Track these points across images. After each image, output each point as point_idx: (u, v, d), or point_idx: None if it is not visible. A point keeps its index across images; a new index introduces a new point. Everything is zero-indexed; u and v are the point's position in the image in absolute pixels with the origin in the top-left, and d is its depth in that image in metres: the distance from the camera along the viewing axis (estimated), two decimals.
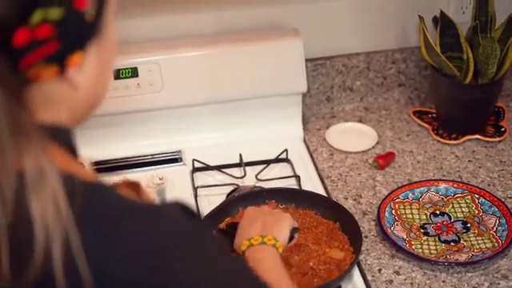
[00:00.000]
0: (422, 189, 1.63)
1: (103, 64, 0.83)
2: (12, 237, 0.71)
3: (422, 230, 1.53)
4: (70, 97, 0.80)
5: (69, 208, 0.71)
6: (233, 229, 1.31)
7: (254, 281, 0.86)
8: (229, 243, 1.28)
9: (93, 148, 1.72)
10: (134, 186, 1.00)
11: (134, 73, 1.70)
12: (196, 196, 1.64)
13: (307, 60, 1.83)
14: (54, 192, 0.71)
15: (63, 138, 0.81)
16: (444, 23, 1.76)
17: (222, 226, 1.48)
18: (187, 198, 1.63)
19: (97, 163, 1.75)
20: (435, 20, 1.82)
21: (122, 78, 1.70)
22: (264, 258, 1.18)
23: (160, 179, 1.68)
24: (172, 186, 1.68)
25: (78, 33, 0.76)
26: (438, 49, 1.73)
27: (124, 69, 1.70)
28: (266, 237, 1.21)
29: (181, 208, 0.81)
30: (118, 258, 0.73)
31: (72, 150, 0.82)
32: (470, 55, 1.75)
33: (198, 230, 0.82)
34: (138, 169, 1.76)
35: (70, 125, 0.83)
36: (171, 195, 1.64)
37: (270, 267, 1.16)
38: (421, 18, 1.75)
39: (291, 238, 1.29)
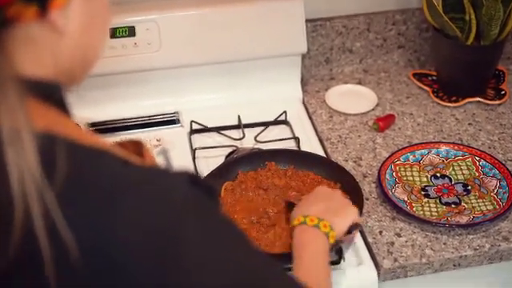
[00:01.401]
0: (423, 151, 1.61)
1: (93, 11, 0.78)
2: None
3: (422, 193, 1.52)
4: (55, 44, 0.75)
5: (43, 172, 0.67)
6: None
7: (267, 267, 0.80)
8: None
9: (88, 109, 1.70)
10: (137, 145, 0.96)
11: (131, 32, 1.67)
12: (194, 158, 1.62)
13: (307, 21, 1.80)
14: (27, 153, 0.66)
15: (49, 93, 0.75)
16: None
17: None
18: (185, 159, 1.61)
19: (93, 124, 1.72)
20: None
21: (118, 37, 1.67)
22: (309, 243, 1.13)
23: (157, 141, 1.67)
24: (170, 147, 1.65)
25: None
26: (440, 9, 1.70)
27: (120, 27, 1.66)
28: (322, 221, 1.16)
29: (188, 178, 0.74)
30: (111, 238, 0.68)
31: (62, 108, 0.76)
32: (473, 16, 1.72)
33: (205, 208, 0.75)
34: (134, 130, 1.73)
35: (60, 81, 0.77)
36: (169, 157, 1.62)
37: (311, 255, 1.11)
38: None
39: (349, 231, 1.25)
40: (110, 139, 1.63)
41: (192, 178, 0.74)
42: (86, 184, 0.70)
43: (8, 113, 0.67)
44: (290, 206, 1.35)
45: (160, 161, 0.97)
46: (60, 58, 0.76)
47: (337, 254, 1.35)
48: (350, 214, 1.24)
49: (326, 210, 1.20)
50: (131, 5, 1.70)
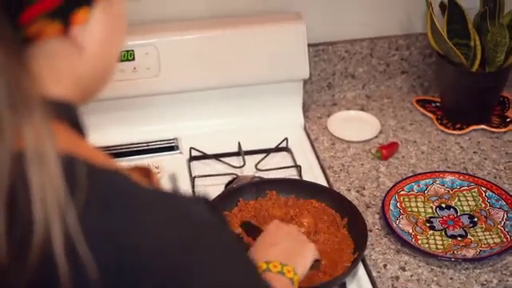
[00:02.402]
0: (428, 181, 1.58)
1: (111, 27, 0.77)
2: (11, 217, 0.65)
3: (427, 224, 1.48)
4: (75, 60, 0.74)
5: (68, 192, 0.65)
6: (247, 228, 1.25)
7: None
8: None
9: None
10: (145, 171, 0.93)
11: (130, 56, 1.64)
12: (193, 186, 1.58)
13: (309, 45, 1.77)
14: (53, 174, 0.65)
15: (69, 114, 0.75)
16: (452, 9, 1.70)
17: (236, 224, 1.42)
18: (184, 187, 1.57)
19: None
20: (442, 6, 1.76)
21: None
22: None
23: (156, 168, 1.63)
24: (168, 175, 1.62)
25: None
26: (445, 35, 1.67)
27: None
28: (286, 267, 1.12)
29: (204, 202, 0.75)
30: (130, 257, 0.67)
31: (79, 129, 0.76)
32: (478, 42, 1.70)
33: (220, 227, 0.75)
34: (133, 156, 1.70)
35: (76, 100, 0.76)
36: (168, 185, 1.59)
37: None
38: (428, 4, 1.70)
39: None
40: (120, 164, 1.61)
41: (207, 203, 0.76)
42: (105, 205, 0.69)
43: (33, 133, 0.66)
44: (246, 227, 1.33)
45: (168, 187, 0.94)
46: (78, 73, 0.76)
47: None
48: (310, 252, 1.20)
49: (286, 253, 1.15)
50: (130, 28, 1.65)
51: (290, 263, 1.12)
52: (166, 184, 1.54)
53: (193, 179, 1.59)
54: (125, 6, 0.79)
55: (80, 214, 0.66)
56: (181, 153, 1.71)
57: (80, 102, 0.78)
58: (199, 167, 1.66)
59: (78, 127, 0.76)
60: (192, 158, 1.68)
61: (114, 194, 0.70)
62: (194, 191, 1.56)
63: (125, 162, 1.63)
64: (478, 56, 1.71)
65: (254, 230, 1.30)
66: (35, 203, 0.65)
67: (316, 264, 1.21)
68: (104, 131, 1.70)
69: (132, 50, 1.64)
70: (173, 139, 1.74)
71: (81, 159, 0.69)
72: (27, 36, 0.69)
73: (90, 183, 0.67)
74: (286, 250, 1.16)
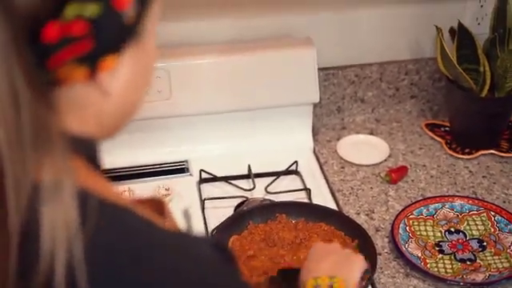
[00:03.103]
0: (437, 205, 1.58)
1: (138, 73, 0.77)
2: (21, 246, 0.66)
3: (437, 248, 1.48)
4: (100, 104, 0.74)
5: (79, 227, 0.66)
6: (284, 276, 1.24)
7: None
8: None
9: None
10: (159, 204, 0.93)
11: None
12: (203, 208, 1.59)
13: (319, 69, 1.78)
14: (67, 208, 0.66)
15: (88, 151, 0.75)
16: (461, 35, 1.72)
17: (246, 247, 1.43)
18: (194, 210, 1.58)
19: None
20: (452, 31, 1.78)
21: None
22: None
23: (166, 190, 1.64)
24: (178, 197, 1.63)
25: (115, 34, 0.70)
26: (454, 60, 1.68)
27: None
28: (334, 278, 1.12)
29: (211, 243, 0.76)
30: None
31: (96, 165, 0.76)
32: (487, 68, 1.70)
33: (227, 271, 0.76)
34: (143, 179, 1.70)
35: (97, 137, 0.77)
36: (177, 207, 1.59)
37: None
38: (438, 29, 1.71)
39: (361, 278, 1.20)
40: (119, 188, 1.62)
41: (214, 243, 0.76)
42: (113, 242, 0.69)
43: (52, 167, 0.67)
44: (283, 275, 1.32)
45: (182, 222, 0.95)
46: (102, 115, 0.76)
47: None
48: (358, 262, 1.20)
49: (334, 266, 1.16)
50: None
51: (338, 274, 1.13)
52: (178, 214, 1.56)
53: (203, 202, 1.60)
54: (154, 52, 0.79)
55: (86, 248, 0.67)
56: (191, 175, 1.72)
57: (102, 138, 0.78)
58: (209, 189, 1.67)
59: (94, 162, 0.76)
60: (202, 181, 1.69)
61: (122, 232, 0.70)
62: (203, 213, 1.57)
63: (126, 185, 1.63)
64: (488, 81, 1.72)
65: (290, 275, 1.28)
66: (44, 234, 0.65)
67: (366, 272, 1.21)
68: (115, 153, 1.70)
69: None
70: (183, 161, 1.75)
71: (94, 194, 0.70)
72: (55, 78, 0.69)
73: (100, 219, 0.68)
74: (333, 263, 1.16)
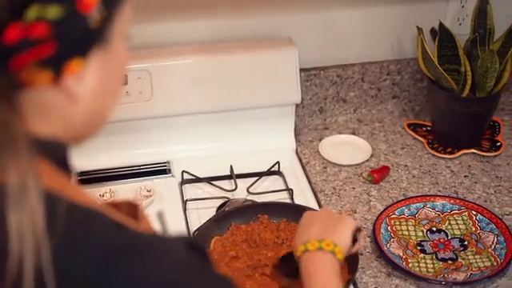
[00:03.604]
0: (418, 204, 1.59)
1: (107, 77, 0.75)
2: None
3: (418, 248, 1.49)
4: (67, 110, 0.73)
5: (46, 230, 0.66)
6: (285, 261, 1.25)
7: None
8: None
9: (78, 158, 1.66)
10: (133, 206, 0.93)
11: None
12: (185, 209, 1.58)
13: (301, 70, 1.78)
14: (34, 211, 0.66)
15: (55, 153, 0.74)
16: (442, 35, 1.72)
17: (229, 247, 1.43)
18: (176, 211, 1.58)
19: (82, 173, 1.69)
20: (433, 31, 1.78)
21: None
22: (317, 271, 1.10)
23: (148, 191, 1.63)
24: (160, 198, 1.63)
25: (79, 37, 0.69)
26: (435, 61, 1.69)
27: None
28: (324, 241, 1.13)
29: (186, 243, 0.75)
30: None
31: (66, 168, 0.76)
32: (468, 68, 1.71)
33: (204, 268, 0.76)
34: (124, 180, 1.70)
35: (66, 140, 0.76)
36: (159, 208, 1.58)
37: (323, 283, 1.09)
38: (419, 30, 1.71)
39: (354, 240, 1.21)
40: (101, 189, 1.61)
41: (188, 242, 0.76)
42: (82, 246, 0.69)
43: (17, 170, 0.67)
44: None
45: (156, 225, 0.94)
46: (70, 121, 0.75)
47: None
48: (348, 223, 1.21)
49: (322, 230, 1.17)
50: None
51: (327, 237, 1.13)
52: (154, 217, 1.55)
53: (185, 203, 1.59)
54: (123, 56, 0.78)
55: (55, 251, 0.66)
56: (173, 176, 1.71)
57: (73, 141, 0.77)
58: (191, 190, 1.66)
59: (64, 166, 0.75)
60: (184, 182, 1.68)
61: (91, 235, 0.69)
62: (185, 214, 1.57)
63: (108, 187, 1.63)
64: (469, 81, 1.72)
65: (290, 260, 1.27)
66: (12, 236, 0.65)
67: (358, 231, 1.22)
68: (96, 155, 1.70)
69: (124, 75, 1.64)
70: (165, 162, 1.75)
71: (62, 197, 0.69)
72: (18, 81, 0.69)
73: (69, 222, 0.67)
74: (321, 228, 1.17)
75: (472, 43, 1.71)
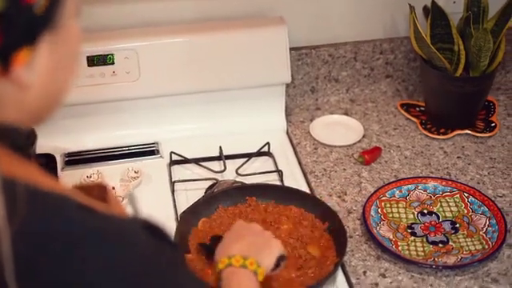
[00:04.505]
0: (410, 186, 1.56)
1: (60, 61, 0.74)
2: None
3: (409, 230, 1.46)
4: (19, 97, 0.71)
5: (6, 217, 0.64)
6: (216, 243, 1.23)
7: None
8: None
9: (65, 139, 1.67)
10: (101, 189, 0.91)
11: (109, 60, 1.62)
12: (173, 191, 1.56)
13: (292, 49, 1.75)
14: None
15: (12, 139, 0.73)
16: (435, 13, 1.69)
17: (207, 240, 1.40)
18: (164, 192, 1.56)
19: (69, 155, 1.67)
20: (426, 10, 1.75)
21: (96, 65, 1.61)
22: (239, 285, 1.08)
23: (135, 172, 1.61)
24: (148, 179, 1.61)
25: (25, 27, 0.67)
26: (428, 40, 1.66)
27: (99, 55, 1.61)
28: (248, 259, 1.11)
29: (147, 228, 0.74)
30: (67, 284, 0.67)
31: (25, 152, 0.74)
32: (462, 47, 1.68)
33: (162, 255, 0.75)
34: (112, 161, 1.68)
35: (23, 124, 0.74)
36: (147, 189, 1.57)
37: None
38: (411, 8, 1.68)
39: (277, 265, 1.19)
40: (88, 170, 1.59)
41: (147, 225, 0.75)
42: (44, 230, 0.68)
43: None
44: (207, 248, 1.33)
45: (128, 208, 0.93)
46: (24, 107, 0.74)
47: None
48: (275, 247, 1.19)
49: (249, 247, 1.15)
50: (110, 32, 1.65)
51: (252, 256, 1.11)
52: (147, 197, 1.53)
53: (173, 184, 1.57)
54: (77, 36, 0.76)
55: (16, 239, 0.65)
56: (161, 157, 1.69)
57: (30, 124, 0.76)
58: (180, 171, 1.64)
59: (22, 150, 0.74)
60: (172, 163, 1.66)
61: (54, 220, 0.68)
62: (173, 196, 1.55)
63: (96, 168, 1.61)
64: (462, 61, 1.69)
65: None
66: None
67: (281, 258, 1.19)
68: (84, 135, 1.69)
69: (112, 54, 1.62)
70: (153, 143, 1.72)
71: (21, 182, 0.68)
72: None
73: (29, 206, 0.66)
74: (249, 244, 1.15)
75: (465, 22, 1.68)
